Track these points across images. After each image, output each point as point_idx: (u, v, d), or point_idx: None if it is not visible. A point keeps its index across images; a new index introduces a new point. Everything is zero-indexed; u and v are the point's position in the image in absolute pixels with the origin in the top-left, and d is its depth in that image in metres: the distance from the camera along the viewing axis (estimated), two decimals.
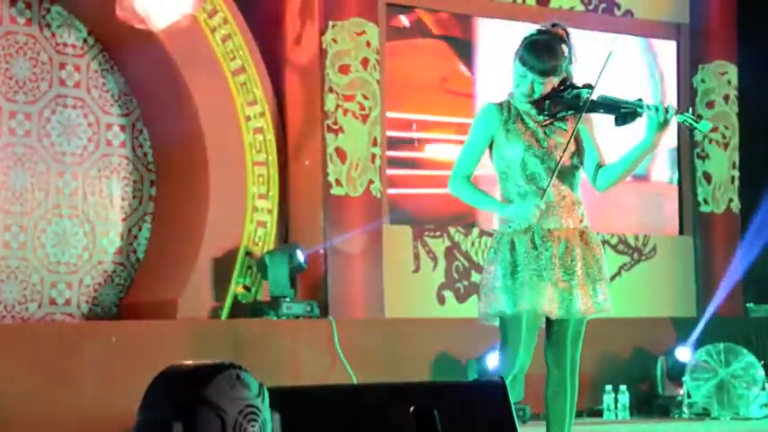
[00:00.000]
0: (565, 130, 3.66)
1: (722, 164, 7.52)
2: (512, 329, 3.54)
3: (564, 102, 3.64)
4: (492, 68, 6.83)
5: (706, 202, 7.49)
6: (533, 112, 3.62)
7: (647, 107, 3.61)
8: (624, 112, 3.67)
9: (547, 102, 3.62)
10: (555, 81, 3.65)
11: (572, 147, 3.64)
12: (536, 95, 3.61)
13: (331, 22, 6.28)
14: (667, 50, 7.57)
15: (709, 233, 7.49)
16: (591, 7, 7.23)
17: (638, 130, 3.74)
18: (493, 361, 5.80)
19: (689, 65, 7.54)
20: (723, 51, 7.55)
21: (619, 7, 7.34)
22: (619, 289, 7.26)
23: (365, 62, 6.33)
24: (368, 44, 6.35)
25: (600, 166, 3.69)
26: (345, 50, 6.28)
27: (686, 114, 3.51)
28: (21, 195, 6.04)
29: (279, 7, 6.44)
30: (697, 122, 3.50)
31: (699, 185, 7.49)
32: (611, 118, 3.71)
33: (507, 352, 3.57)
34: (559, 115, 3.64)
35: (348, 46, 6.29)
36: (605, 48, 7.41)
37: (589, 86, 3.67)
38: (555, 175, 3.55)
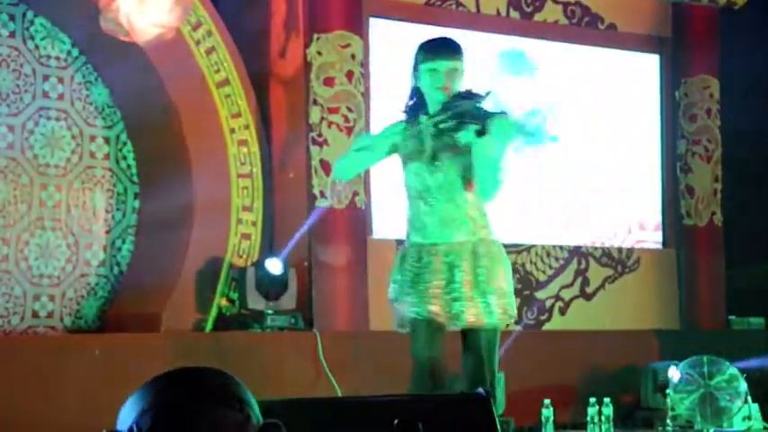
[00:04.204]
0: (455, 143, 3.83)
1: (705, 177, 7.56)
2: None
3: (456, 112, 3.82)
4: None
5: (689, 215, 7.53)
6: (430, 122, 3.84)
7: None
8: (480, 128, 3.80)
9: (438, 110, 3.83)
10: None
11: (462, 161, 3.80)
12: (455, 90, 3.81)
13: (315, 35, 6.29)
14: (650, 64, 7.61)
15: (692, 246, 7.52)
16: (574, 21, 7.27)
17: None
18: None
19: (672, 78, 7.59)
20: (706, 65, 7.61)
21: (602, 21, 7.38)
22: (603, 302, 7.30)
23: (350, 75, 6.34)
24: (353, 57, 6.36)
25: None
26: (330, 63, 6.29)
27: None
28: (3, 208, 6.01)
29: (263, 20, 6.44)
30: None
31: (682, 198, 7.53)
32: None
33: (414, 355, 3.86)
34: (444, 125, 3.82)
35: (333, 59, 6.30)
36: (587, 61, 7.46)
37: (476, 97, 3.85)
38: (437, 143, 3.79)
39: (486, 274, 3.77)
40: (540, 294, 7.08)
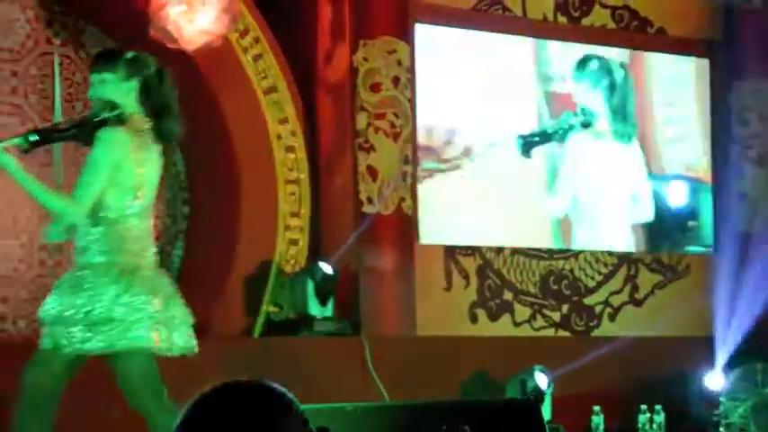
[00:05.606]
0: None
1: (758, 182, 7.45)
2: None
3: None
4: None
5: (741, 220, 7.43)
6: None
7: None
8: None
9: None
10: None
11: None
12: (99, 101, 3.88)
13: (362, 41, 6.30)
14: (701, 68, 7.52)
15: (743, 252, 7.42)
16: (622, 25, 7.21)
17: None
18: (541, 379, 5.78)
19: (723, 82, 7.49)
20: (757, 69, 7.50)
21: (651, 25, 7.31)
22: (653, 308, 7.22)
23: (396, 80, 6.34)
24: (399, 62, 6.36)
25: None
26: (376, 69, 6.30)
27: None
28: None
29: (310, 26, 6.46)
30: None
31: (734, 204, 7.43)
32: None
33: None
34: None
35: (379, 64, 6.30)
36: (635, 66, 7.38)
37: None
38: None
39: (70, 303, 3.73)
40: (588, 300, 7.02)
